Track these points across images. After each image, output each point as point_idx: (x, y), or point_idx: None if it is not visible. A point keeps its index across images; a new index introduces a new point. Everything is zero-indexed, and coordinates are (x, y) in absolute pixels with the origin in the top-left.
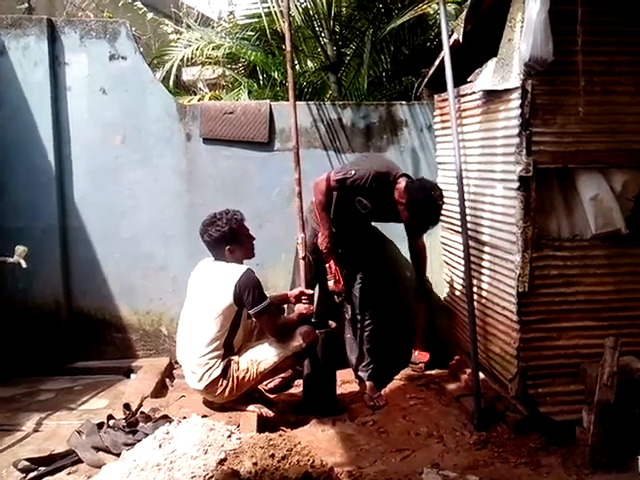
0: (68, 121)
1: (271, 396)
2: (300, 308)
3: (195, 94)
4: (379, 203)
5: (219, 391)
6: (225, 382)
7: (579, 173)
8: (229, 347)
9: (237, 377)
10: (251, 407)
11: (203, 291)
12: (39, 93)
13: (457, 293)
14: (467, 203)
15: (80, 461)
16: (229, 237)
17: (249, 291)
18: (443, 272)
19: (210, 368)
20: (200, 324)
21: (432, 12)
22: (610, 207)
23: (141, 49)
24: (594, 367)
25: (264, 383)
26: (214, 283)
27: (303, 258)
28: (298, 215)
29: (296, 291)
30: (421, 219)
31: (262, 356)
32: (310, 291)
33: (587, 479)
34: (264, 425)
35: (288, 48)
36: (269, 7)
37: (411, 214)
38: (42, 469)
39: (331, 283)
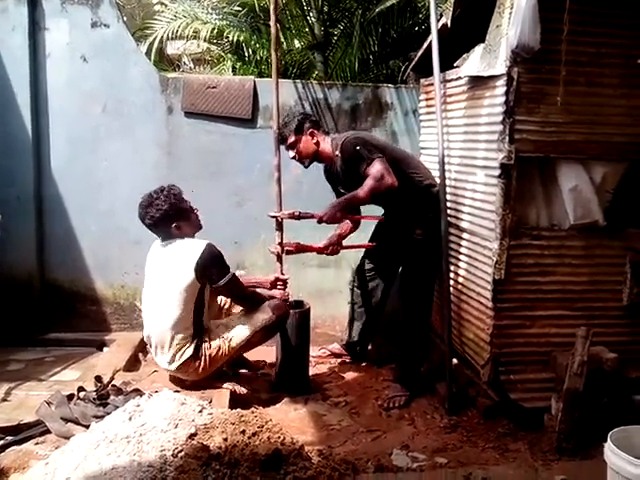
0: (47, 88)
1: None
2: (274, 293)
3: (179, 68)
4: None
5: (191, 370)
6: (197, 362)
7: (560, 163)
8: (198, 326)
9: (209, 355)
10: (224, 384)
11: (162, 273)
12: (17, 59)
13: None
14: (448, 189)
15: (48, 432)
16: (172, 214)
17: (213, 265)
18: None
19: (181, 349)
20: (164, 307)
21: None
22: (589, 198)
23: (125, 18)
24: (565, 356)
25: None
26: (173, 263)
27: (280, 244)
28: (277, 201)
29: (271, 277)
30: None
31: (233, 332)
32: (285, 276)
33: (553, 465)
34: (236, 402)
35: (273, 26)
36: None
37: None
38: (9, 438)
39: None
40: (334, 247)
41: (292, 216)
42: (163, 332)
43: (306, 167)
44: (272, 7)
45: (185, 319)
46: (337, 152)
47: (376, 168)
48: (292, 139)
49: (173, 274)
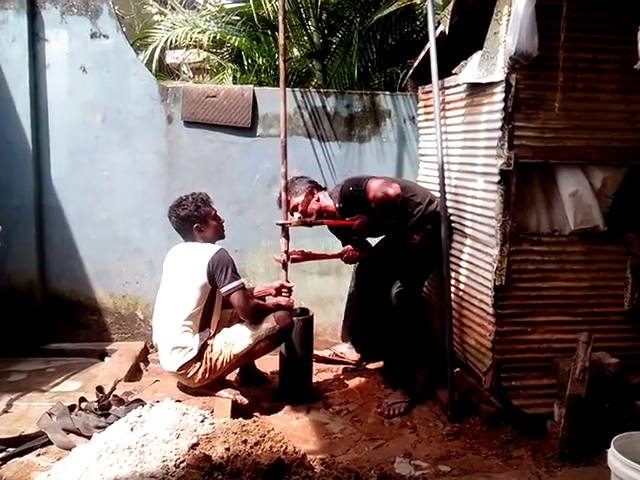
0: (47, 99)
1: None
2: (279, 300)
3: (179, 77)
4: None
5: (192, 373)
6: (199, 364)
7: (559, 169)
8: (204, 328)
9: (210, 359)
10: (225, 393)
11: (178, 272)
12: (17, 69)
13: (434, 284)
14: (448, 196)
15: (50, 443)
16: (195, 215)
17: (221, 269)
18: None
19: (185, 348)
20: (176, 304)
21: (419, 2)
22: (589, 204)
23: (124, 28)
24: (567, 362)
25: None
26: (188, 263)
27: (286, 252)
28: (284, 209)
29: (277, 283)
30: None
31: (235, 338)
32: (290, 284)
33: (556, 472)
34: (238, 411)
35: (281, 41)
36: None
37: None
38: (11, 450)
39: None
40: (351, 253)
41: (304, 223)
42: (172, 331)
43: (310, 227)
44: (281, 23)
45: (194, 318)
46: (337, 204)
47: (373, 189)
48: (293, 202)
49: (188, 272)
